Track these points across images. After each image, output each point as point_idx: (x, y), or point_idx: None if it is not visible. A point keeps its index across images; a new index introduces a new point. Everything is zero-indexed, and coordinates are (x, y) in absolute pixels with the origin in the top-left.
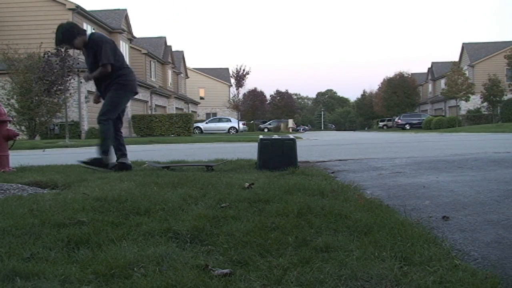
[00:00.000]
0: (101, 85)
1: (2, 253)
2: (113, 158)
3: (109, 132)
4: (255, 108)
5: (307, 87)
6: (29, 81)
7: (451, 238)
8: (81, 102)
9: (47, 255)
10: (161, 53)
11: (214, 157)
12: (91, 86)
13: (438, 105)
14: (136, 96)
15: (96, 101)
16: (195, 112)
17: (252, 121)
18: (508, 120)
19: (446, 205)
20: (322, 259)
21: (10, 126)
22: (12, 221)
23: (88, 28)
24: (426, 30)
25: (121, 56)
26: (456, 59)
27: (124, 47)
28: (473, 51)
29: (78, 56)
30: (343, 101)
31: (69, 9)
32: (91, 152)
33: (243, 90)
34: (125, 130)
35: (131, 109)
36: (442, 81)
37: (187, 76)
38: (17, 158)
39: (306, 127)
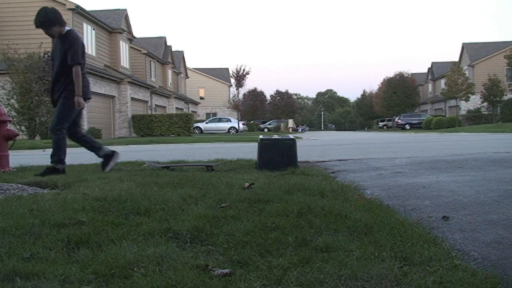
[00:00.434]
0: (55, 89)
1: (2, 253)
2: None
3: (63, 142)
4: (255, 108)
5: (307, 87)
6: (29, 81)
7: (451, 238)
8: None
9: (47, 255)
10: (161, 53)
11: (214, 157)
12: (91, 86)
13: (438, 105)
14: (136, 96)
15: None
16: (195, 112)
17: (252, 121)
18: (508, 120)
19: (446, 205)
20: (322, 259)
21: (10, 126)
22: (12, 221)
23: (88, 28)
24: (426, 30)
25: (84, 61)
26: (456, 59)
27: (124, 47)
28: (473, 51)
29: None
30: (343, 101)
31: (69, 9)
32: (90, 152)
33: (243, 90)
34: (125, 130)
35: (131, 109)
36: (442, 81)
37: (187, 76)
38: (17, 158)
39: (304, 127)
